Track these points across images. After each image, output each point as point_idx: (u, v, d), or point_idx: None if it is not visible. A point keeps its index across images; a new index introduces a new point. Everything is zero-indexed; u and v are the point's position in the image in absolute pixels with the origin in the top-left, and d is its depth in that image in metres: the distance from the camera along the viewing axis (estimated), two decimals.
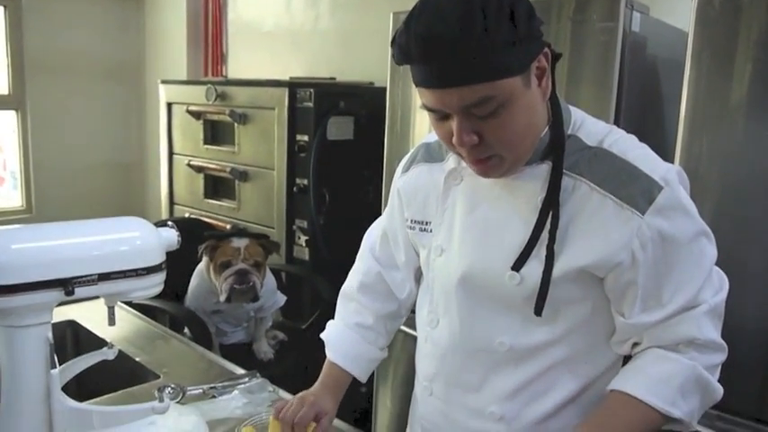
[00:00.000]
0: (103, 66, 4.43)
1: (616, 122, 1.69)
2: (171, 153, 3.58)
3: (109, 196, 4.49)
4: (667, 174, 0.97)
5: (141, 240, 1.10)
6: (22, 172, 4.20)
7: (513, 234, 1.02)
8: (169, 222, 1.17)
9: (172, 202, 3.62)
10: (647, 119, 1.93)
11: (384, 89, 2.35)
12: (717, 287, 1.02)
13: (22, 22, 4.03)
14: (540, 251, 0.99)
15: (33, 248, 1.01)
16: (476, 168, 1.00)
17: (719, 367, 1.03)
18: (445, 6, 0.86)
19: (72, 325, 1.84)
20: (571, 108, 1.06)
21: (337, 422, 1.31)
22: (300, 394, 1.24)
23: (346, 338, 1.31)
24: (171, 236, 1.14)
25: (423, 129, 2.26)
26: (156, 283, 1.13)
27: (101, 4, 4.36)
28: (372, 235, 1.37)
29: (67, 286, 1.02)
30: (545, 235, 0.98)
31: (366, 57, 3.27)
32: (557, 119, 1.01)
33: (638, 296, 0.98)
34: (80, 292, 1.04)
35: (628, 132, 1.06)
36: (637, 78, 1.83)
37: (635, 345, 1.04)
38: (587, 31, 1.76)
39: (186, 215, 3.46)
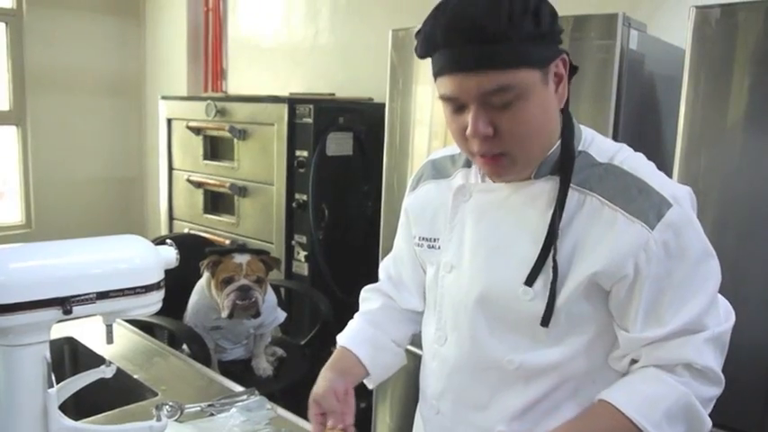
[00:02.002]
0: (104, 81, 4.45)
1: (614, 139, 1.70)
2: (171, 168, 3.59)
3: (109, 211, 4.49)
4: (678, 192, 0.99)
5: (140, 259, 1.10)
6: (23, 187, 4.20)
7: (524, 249, 1.02)
8: (168, 240, 1.17)
9: (171, 218, 3.63)
10: (645, 136, 1.93)
11: (383, 105, 2.36)
12: (722, 317, 1.01)
13: (23, 38, 4.05)
14: (551, 265, 0.99)
15: (31, 267, 1.01)
16: (486, 169, 1.02)
17: (713, 402, 1.01)
18: None
19: (70, 342, 1.83)
20: (582, 126, 1.07)
21: None
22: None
23: (350, 325, 1.30)
24: (170, 254, 1.14)
25: (422, 144, 2.26)
26: (154, 301, 1.12)
27: (101, 20, 4.39)
28: (385, 261, 1.38)
29: (66, 305, 1.02)
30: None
31: (365, 73, 3.29)
32: (568, 132, 1.02)
33: (640, 311, 0.98)
34: (78, 310, 1.03)
35: None
36: (635, 95, 1.84)
37: (632, 362, 1.03)
38: (585, 49, 1.77)
39: (186, 230, 3.46)
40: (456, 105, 0.97)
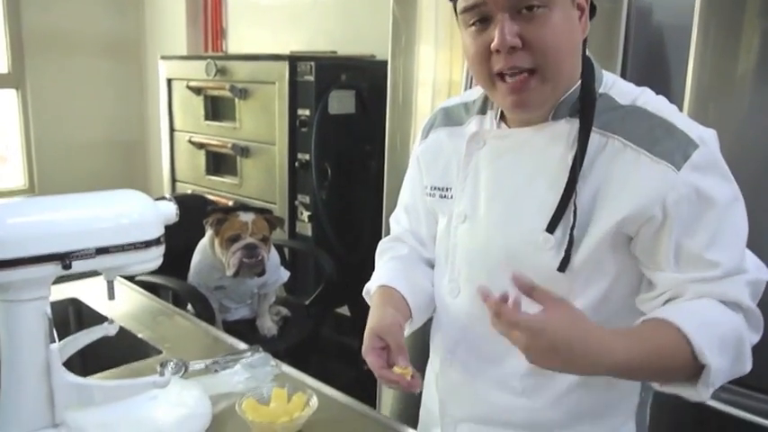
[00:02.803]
0: (103, 43, 4.39)
1: None
2: (172, 130, 3.56)
3: (111, 174, 4.48)
4: (704, 134, 0.95)
5: (139, 214, 1.08)
6: (24, 151, 4.19)
7: (543, 196, 0.99)
8: (167, 196, 1.16)
9: (174, 179, 3.61)
10: (653, 87, 1.89)
11: (386, 62, 2.32)
12: (756, 265, 0.98)
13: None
14: (572, 209, 0.96)
15: (30, 222, 1.00)
16: (512, 97, 0.96)
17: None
18: None
19: (74, 303, 1.83)
20: (603, 70, 1.04)
21: (342, 396, 1.31)
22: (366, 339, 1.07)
23: (383, 269, 1.24)
24: (169, 209, 1.12)
25: (425, 102, 2.23)
26: (154, 257, 1.11)
27: None
28: (395, 214, 1.32)
29: (65, 260, 1.00)
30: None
31: (367, 30, 3.22)
32: (588, 72, 0.99)
33: (671, 252, 0.94)
34: (78, 265, 1.02)
35: None
36: (642, 46, 1.80)
37: (666, 303, 0.98)
38: None
39: (188, 192, 3.45)
40: (480, 16, 0.94)
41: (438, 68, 2.17)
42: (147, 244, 1.08)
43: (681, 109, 1.57)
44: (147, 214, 1.09)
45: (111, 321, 1.22)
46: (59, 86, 4.21)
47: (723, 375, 0.91)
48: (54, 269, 1.01)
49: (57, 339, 1.05)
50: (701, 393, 0.91)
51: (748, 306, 0.95)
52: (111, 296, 1.14)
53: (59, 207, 1.05)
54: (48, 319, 1.04)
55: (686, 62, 1.57)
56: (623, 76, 1.72)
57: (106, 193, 1.10)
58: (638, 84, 1.06)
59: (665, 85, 1.95)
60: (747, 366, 0.95)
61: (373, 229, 2.39)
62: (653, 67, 1.92)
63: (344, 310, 3.17)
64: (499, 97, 0.99)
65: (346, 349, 3.04)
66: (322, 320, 2.73)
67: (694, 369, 0.90)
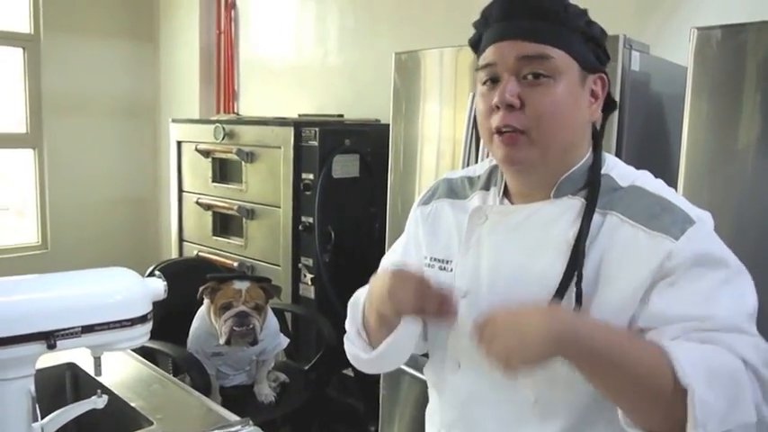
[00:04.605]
0: (119, 104, 4.50)
1: None
2: (180, 191, 3.61)
3: (123, 232, 4.52)
4: (701, 214, 0.97)
5: (126, 291, 1.10)
6: (39, 209, 4.25)
7: (544, 272, 0.99)
8: (156, 272, 1.17)
9: (181, 239, 3.63)
10: (652, 157, 1.90)
11: (389, 126, 2.35)
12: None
13: (40, 62, 4.12)
14: (573, 290, 0.95)
15: (14, 302, 1.01)
16: (502, 149, 0.99)
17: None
18: None
19: (71, 368, 1.83)
20: (604, 152, 1.07)
21: None
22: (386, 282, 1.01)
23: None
24: (158, 286, 1.14)
25: (429, 163, 2.25)
26: (141, 334, 1.12)
27: (116, 45, 4.45)
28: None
29: (50, 339, 1.01)
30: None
31: (373, 94, 3.28)
32: (598, 154, 1.04)
33: (671, 302, 0.89)
34: (63, 344, 1.03)
35: None
36: (640, 116, 1.81)
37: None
38: None
39: (195, 253, 3.47)
40: (491, 76, 0.99)
41: (443, 126, 2.19)
42: (133, 322, 1.09)
43: (676, 184, 1.57)
44: (135, 292, 1.10)
45: (100, 395, 1.21)
46: (75, 146, 4.31)
47: (716, 415, 0.80)
48: (39, 348, 1.02)
49: (39, 417, 1.05)
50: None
51: (755, 366, 0.84)
52: (98, 372, 1.14)
53: (45, 286, 1.06)
54: (31, 397, 1.04)
55: (680, 133, 1.58)
56: (619, 147, 1.74)
57: (94, 271, 1.12)
58: (637, 153, 1.08)
59: (666, 153, 1.96)
60: (749, 415, 0.83)
61: None
62: (652, 137, 1.93)
63: (349, 371, 3.13)
64: (495, 150, 1.02)
65: (351, 410, 2.99)
66: (325, 384, 2.70)
67: (678, 405, 0.81)
